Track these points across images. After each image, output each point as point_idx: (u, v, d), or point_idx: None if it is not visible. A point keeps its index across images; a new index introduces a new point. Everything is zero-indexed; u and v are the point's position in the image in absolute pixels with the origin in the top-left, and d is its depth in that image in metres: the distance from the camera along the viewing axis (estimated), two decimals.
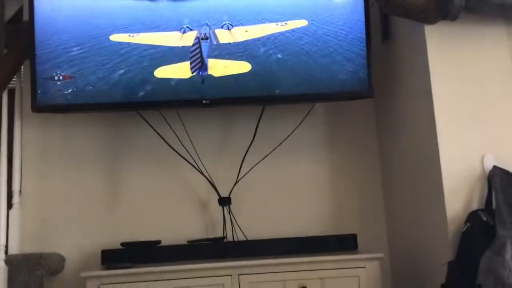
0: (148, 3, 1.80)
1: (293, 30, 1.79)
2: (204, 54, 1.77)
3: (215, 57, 1.79)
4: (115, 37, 1.77)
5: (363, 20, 1.80)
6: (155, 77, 1.77)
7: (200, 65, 1.77)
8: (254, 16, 1.80)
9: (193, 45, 1.77)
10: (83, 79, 1.76)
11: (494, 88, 1.58)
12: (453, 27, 1.55)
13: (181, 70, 1.77)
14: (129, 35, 1.77)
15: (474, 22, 1.56)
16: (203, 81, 1.77)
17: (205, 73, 1.77)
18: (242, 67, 1.78)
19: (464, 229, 1.45)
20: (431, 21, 1.54)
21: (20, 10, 2.14)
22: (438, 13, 1.49)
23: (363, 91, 1.80)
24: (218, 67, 1.77)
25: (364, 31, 1.80)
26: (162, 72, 1.76)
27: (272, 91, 1.80)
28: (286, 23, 1.79)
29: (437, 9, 1.48)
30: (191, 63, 1.77)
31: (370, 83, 1.79)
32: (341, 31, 1.80)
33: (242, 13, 1.81)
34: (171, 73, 1.77)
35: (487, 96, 1.58)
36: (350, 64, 1.79)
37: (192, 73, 1.77)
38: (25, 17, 1.99)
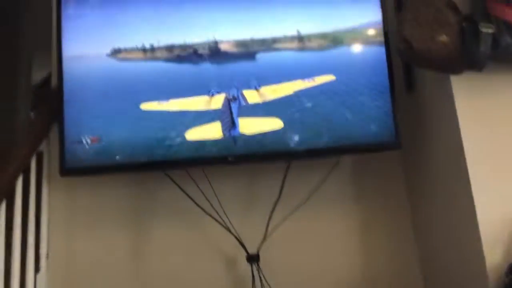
0: (176, 67, 1.84)
1: (320, 86, 1.80)
2: (234, 115, 1.78)
3: (246, 116, 1.79)
4: (145, 106, 1.79)
5: (386, 71, 1.80)
6: (186, 139, 1.77)
7: (231, 125, 1.77)
8: (281, 74, 1.82)
9: (223, 106, 1.79)
10: (111, 141, 1.78)
11: None
12: (481, 76, 1.52)
13: (212, 131, 1.77)
14: (159, 103, 1.79)
15: (502, 71, 1.54)
16: (235, 141, 1.77)
17: (237, 132, 1.78)
18: (274, 123, 1.78)
19: (506, 281, 1.39)
20: (457, 71, 1.54)
21: (50, 74, 2.20)
22: (463, 63, 1.49)
23: (390, 142, 1.78)
24: (250, 125, 1.78)
25: (387, 83, 1.80)
26: (193, 133, 1.77)
27: (299, 146, 1.78)
28: (313, 79, 1.80)
29: (462, 59, 1.48)
30: (222, 123, 1.78)
31: (396, 134, 1.77)
32: (366, 83, 1.80)
33: (269, 72, 1.83)
34: (203, 134, 1.77)
35: None
36: (376, 115, 1.78)
37: (224, 133, 1.78)
38: (54, 82, 2.05)
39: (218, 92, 1.80)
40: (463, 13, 1.53)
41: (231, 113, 1.77)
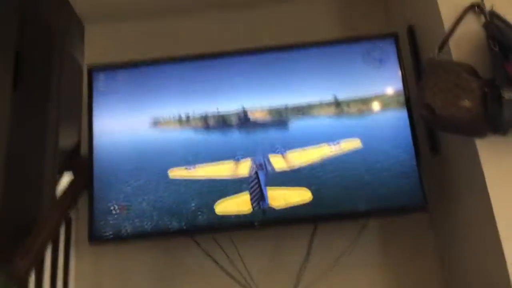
0: (206, 136, 1.88)
1: (347, 151, 1.82)
2: (262, 184, 1.78)
3: (274, 185, 1.80)
4: (173, 173, 1.83)
5: (410, 135, 1.82)
6: (215, 213, 1.79)
7: (259, 196, 1.78)
8: (307, 139, 1.84)
9: (250, 176, 1.80)
10: (139, 209, 1.82)
11: None
12: (506, 138, 1.51)
13: (241, 204, 1.78)
14: (186, 169, 1.83)
15: None
16: (264, 213, 1.77)
17: (266, 204, 1.78)
18: (303, 195, 1.77)
19: None
20: (481, 135, 1.54)
21: (79, 143, 2.27)
22: (487, 128, 1.49)
23: (417, 205, 1.77)
24: (278, 198, 1.78)
25: (412, 146, 1.81)
26: (222, 206, 1.78)
27: (326, 210, 1.78)
28: (339, 145, 1.82)
29: (486, 124, 1.48)
30: (250, 195, 1.79)
31: (424, 197, 1.76)
32: (391, 147, 1.82)
33: (294, 137, 1.86)
34: (231, 207, 1.78)
35: None
36: (403, 179, 1.78)
37: (253, 206, 1.78)
38: (83, 149, 2.12)
39: (244, 157, 1.83)
40: (483, 78, 1.56)
41: (259, 183, 1.78)
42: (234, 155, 1.84)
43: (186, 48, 2.11)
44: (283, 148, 1.83)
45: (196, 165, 1.83)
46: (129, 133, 1.90)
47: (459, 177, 1.75)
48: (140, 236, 1.82)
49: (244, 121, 1.87)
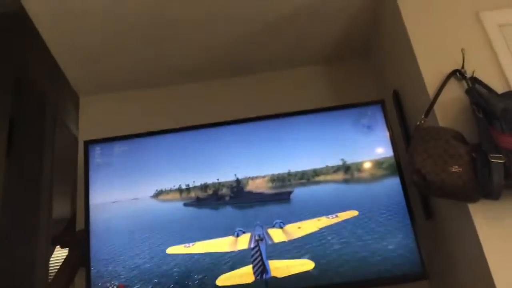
0: (203, 207, 1.89)
1: (344, 221, 1.82)
2: (264, 257, 1.77)
3: (275, 257, 1.79)
4: (172, 250, 1.82)
5: (404, 202, 1.84)
6: (217, 286, 1.76)
7: (262, 269, 1.76)
8: (305, 212, 1.85)
9: (253, 248, 1.79)
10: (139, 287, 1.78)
11: None
12: (499, 202, 1.53)
13: (243, 277, 1.76)
14: (185, 246, 1.82)
15: None
16: (267, 284, 1.75)
17: (268, 276, 1.76)
18: (305, 265, 1.76)
19: None
20: (473, 200, 1.56)
21: (74, 216, 2.26)
22: (478, 193, 1.52)
23: (416, 273, 1.76)
24: (281, 268, 1.76)
25: (406, 212, 1.82)
26: (224, 280, 1.76)
27: (326, 281, 1.76)
28: (337, 215, 1.83)
29: (477, 189, 1.51)
30: (253, 268, 1.77)
31: (422, 265, 1.76)
32: (386, 213, 1.83)
33: (293, 211, 1.86)
34: (234, 280, 1.76)
35: None
36: (400, 246, 1.78)
37: (256, 277, 1.76)
38: (79, 222, 2.10)
39: (244, 232, 1.83)
40: (470, 143, 1.60)
41: (261, 255, 1.77)
42: (234, 228, 1.83)
43: (180, 118, 2.16)
44: (282, 222, 1.83)
45: (195, 242, 1.82)
46: (127, 205, 1.90)
47: (455, 241, 1.76)
48: None
49: (241, 191, 1.88)
